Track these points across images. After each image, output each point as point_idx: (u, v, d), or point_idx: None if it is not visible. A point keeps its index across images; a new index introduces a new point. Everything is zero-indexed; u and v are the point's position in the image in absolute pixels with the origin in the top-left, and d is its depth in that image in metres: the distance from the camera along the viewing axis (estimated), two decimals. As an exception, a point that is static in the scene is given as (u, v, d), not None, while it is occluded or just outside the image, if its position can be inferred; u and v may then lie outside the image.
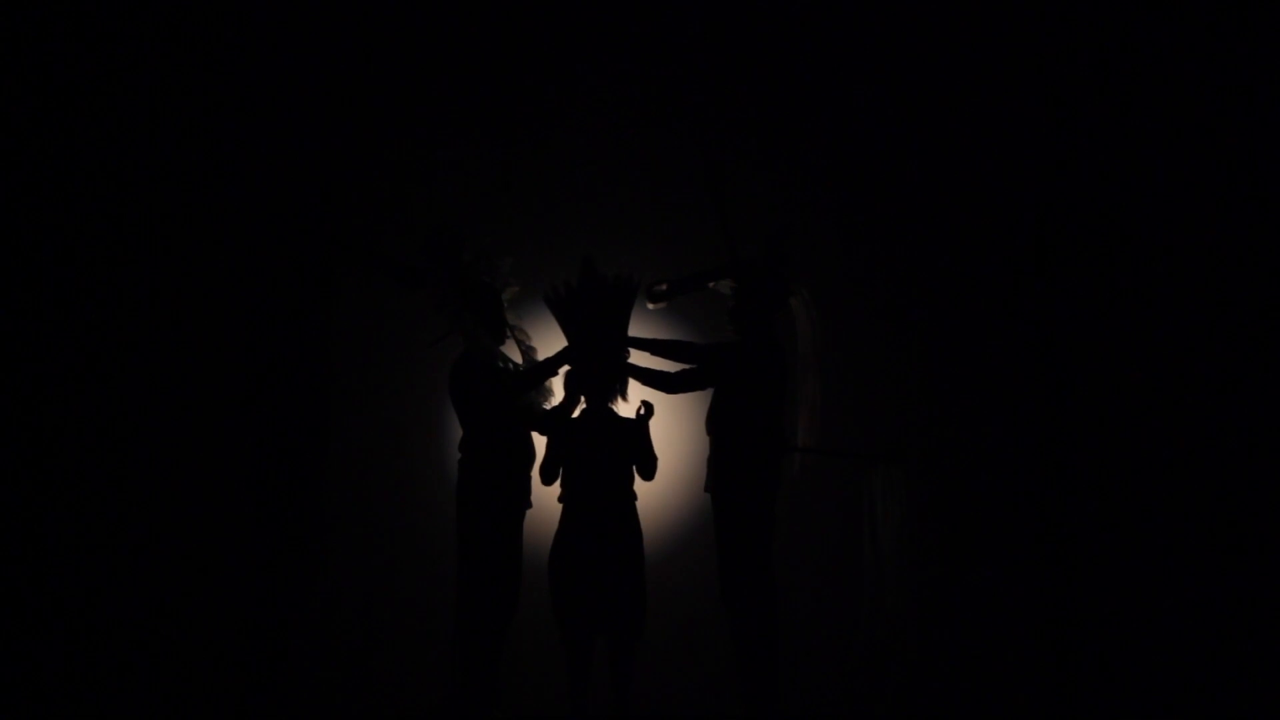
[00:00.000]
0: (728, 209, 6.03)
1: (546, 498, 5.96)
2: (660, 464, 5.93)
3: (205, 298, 6.61)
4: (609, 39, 6.99)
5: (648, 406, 5.93)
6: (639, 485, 5.91)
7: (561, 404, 5.96)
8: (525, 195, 6.93)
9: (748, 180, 6.64)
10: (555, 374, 6.01)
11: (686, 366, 6.02)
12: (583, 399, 5.95)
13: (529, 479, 5.97)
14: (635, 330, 6.04)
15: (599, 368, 5.92)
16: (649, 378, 5.98)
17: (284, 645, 6.28)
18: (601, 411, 5.92)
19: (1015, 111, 6.80)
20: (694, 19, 6.97)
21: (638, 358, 6.01)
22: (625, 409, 5.97)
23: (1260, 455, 6.37)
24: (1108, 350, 6.60)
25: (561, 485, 5.88)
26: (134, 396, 6.53)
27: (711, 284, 6.08)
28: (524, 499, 5.98)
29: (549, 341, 6.11)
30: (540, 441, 5.98)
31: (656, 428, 5.96)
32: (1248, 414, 6.40)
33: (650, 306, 6.13)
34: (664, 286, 6.10)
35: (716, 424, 5.95)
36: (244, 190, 6.64)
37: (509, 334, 6.12)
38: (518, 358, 6.14)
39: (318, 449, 6.37)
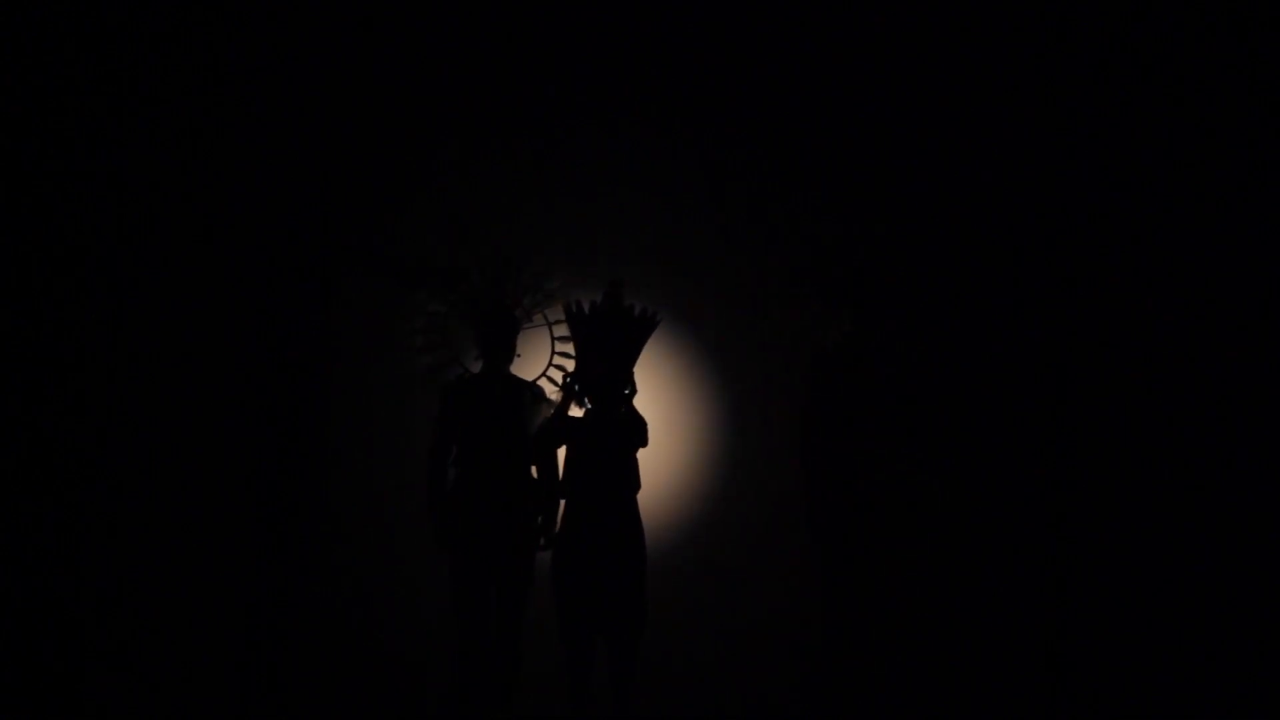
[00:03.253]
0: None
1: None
2: (660, 465, 5.92)
3: (206, 297, 6.62)
4: (611, 40, 6.99)
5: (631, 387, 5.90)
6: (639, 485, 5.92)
7: (548, 424, 5.93)
8: (543, 199, 6.92)
9: (759, 187, 6.63)
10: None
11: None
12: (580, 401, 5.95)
13: (530, 479, 5.96)
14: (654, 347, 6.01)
15: (602, 385, 5.89)
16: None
17: (284, 646, 6.29)
18: (602, 411, 5.92)
19: (1024, 108, 6.81)
20: (697, 18, 6.97)
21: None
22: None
23: (1261, 455, 6.38)
24: (1111, 353, 6.61)
25: (563, 485, 5.89)
26: (135, 397, 6.54)
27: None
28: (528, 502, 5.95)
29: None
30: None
31: (658, 430, 5.96)
32: (1252, 414, 6.42)
33: None
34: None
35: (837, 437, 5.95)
36: (245, 190, 6.65)
37: (518, 357, 6.06)
38: (528, 373, 6.13)
39: (317, 449, 6.37)
